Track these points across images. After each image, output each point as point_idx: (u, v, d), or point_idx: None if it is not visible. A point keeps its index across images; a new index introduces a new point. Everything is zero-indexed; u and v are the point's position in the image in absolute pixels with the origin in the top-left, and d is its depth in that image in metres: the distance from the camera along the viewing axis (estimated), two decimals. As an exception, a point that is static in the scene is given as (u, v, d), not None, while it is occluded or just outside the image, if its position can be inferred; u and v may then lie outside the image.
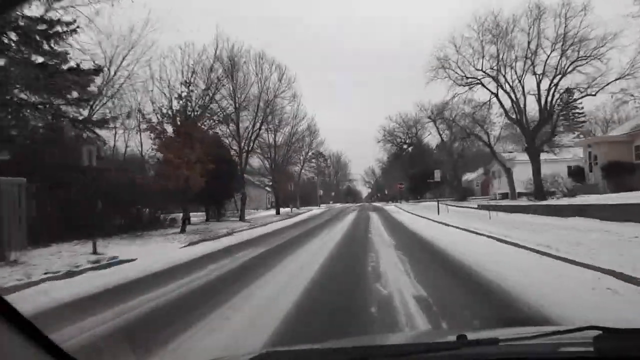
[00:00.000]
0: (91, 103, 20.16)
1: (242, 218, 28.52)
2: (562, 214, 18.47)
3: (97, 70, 22.16)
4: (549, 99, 27.37)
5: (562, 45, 26.25)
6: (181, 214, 31.30)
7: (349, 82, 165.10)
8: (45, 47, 20.25)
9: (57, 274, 9.05)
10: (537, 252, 9.18)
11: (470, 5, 70.37)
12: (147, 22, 35.13)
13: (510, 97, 28.69)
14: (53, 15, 18.45)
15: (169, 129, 18.23)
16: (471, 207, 31.98)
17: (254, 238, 17.33)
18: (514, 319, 4.68)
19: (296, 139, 42.74)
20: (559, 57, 26.79)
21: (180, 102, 18.29)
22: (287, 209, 47.15)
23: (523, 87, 28.00)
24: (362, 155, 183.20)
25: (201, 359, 4.08)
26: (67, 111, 20.30)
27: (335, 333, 4.46)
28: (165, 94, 18.46)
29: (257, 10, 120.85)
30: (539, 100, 27.65)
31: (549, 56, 27.20)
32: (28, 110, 18.25)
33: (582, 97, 27.57)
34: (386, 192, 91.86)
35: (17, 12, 14.96)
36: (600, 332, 1.30)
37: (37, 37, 18.32)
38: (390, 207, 47.77)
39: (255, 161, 40.66)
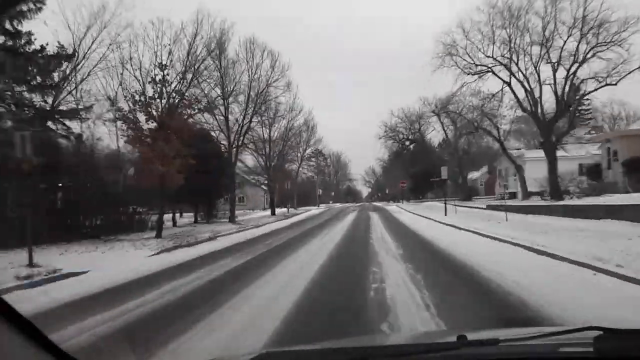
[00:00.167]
0: (60, 89, 17.85)
1: (232, 219, 26.23)
2: (587, 216, 16.30)
3: (69, 56, 19.95)
4: (566, 88, 25.04)
5: (581, 29, 23.93)
6: (170, 215, 29.33)
7: (349, 82, 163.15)
8: (8, 26, 18.09)
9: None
10: (599, 270, 6.87)
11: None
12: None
13: (523, 86, 26.32)
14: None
15: (142, 118, 15.94)
16: (479, 208, 29.81)
17: (237, 244, 15.10)
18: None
19: (292, 133, 40.45)
20: (577, 43, 24.49)
21: (155, 87, 16.02)
22: (284, 209, 44.92)
23: (539, 75, 25.65)
24: (362, 155, 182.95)
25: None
26: (30, 99, 18.09)
27: None
28: (137, 78, 16.20)
29: (256, 11, 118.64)
30: (555, 91, 25.33)
31: (565, 42, 24.87)
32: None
33: (601, 87, 25.21)
34: (387, 192, 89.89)
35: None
36: (601, 332, 1.28)
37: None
38: (392, 207, 45.51)
39: (251, 159, 38.42)
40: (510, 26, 25.86)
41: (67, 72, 18.04)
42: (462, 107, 32.65)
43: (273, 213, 37.95)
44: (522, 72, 26.39)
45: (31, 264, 9.48)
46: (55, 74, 17.96)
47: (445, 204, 25.64)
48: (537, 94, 26.16)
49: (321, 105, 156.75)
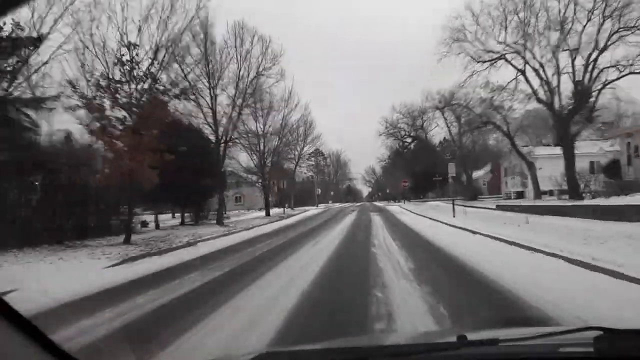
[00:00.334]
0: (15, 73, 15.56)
1: (219, 221, 23.97)
2: (620, 218, 14.14)
3: (37, 39, 17.65)
4: (586, 78, 22.84)
5: (603, 11, 21.75)
6: (157, 216, 27.09)
7: (349, 82, 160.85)
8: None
9: None
10: None
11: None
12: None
13: (539, 75, 24.10)
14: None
15: (109, 105, 13.68)
16: (488, 208, 27.60)
17: (217, 251, 12.91)
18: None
19: (288, 130, 38.20)
20: (597, 28, 22.31)
21: (123, 69, 13.81)
22: (280, 210, 42.69)
23: (557, 62, 23.41)
24: (362, 155, 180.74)
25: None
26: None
27: None
28: (100, 60, 13.98)
29: (256, 9, 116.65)
30: (574, 80, 23.12)
31: (584, 26, 22.70)
32: None
33: (623, 75, 23.02)
34: (387, 191, 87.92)
35: None
36: (601, 332, 1.27)
37: None
38: (394, 208, 43.26)
39: (245, 156, 36.09)
40: (524, 9, 23.66)
41: (25, 54, 15.74)
42: (470, 99, 30.40)
43: (267, 214, 35.71)
44: (538, 60, 24.19)
45: None
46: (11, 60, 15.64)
47: (454, 204, 23.42)
48: (554, 84, 23.97)
49: (321, 105, 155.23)
